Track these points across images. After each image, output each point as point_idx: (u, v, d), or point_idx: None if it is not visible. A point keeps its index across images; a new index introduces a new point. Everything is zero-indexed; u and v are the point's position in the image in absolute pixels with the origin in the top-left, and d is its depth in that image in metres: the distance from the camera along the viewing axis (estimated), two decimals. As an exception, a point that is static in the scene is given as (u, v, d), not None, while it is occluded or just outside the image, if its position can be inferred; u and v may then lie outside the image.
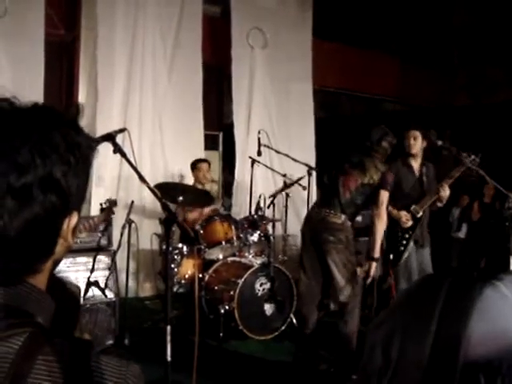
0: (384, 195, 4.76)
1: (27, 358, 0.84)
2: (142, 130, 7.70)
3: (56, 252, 0.96)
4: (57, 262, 1.00)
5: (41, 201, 0.89)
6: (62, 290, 1.24)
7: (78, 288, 1.28)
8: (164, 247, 6.04)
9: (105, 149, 6.87)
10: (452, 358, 0.65)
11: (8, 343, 0.85)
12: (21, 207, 0.87)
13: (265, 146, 6.93)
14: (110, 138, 3.17)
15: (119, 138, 3.63)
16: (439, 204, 5.45)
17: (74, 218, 0.96)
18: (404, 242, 5.42)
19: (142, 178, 3.04)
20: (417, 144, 5.48)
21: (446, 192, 5.35)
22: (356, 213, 4.94)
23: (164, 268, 6.12)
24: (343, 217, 4.75)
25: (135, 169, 3.06)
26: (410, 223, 5.38)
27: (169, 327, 3.02)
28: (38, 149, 0.88)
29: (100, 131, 7.21)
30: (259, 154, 6.87)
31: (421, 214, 5.38)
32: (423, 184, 5.48)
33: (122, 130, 3.35)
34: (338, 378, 4.71)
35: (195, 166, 6.99)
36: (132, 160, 3.19)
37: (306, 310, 5.02)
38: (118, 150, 3.11)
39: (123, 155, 3.10)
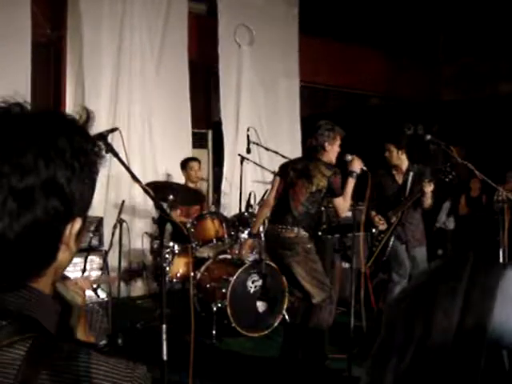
0: (339, 201, 4.71)
1: (34, 364, 0.84)
2: (131, 129, 7.69)
3: (59, 258, 0.95)
4: (61, 268, 0.99)
5: (43, 205, 0.88)
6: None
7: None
8: (155, 246, 6.04)
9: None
10: (480, 335, 0.69)
11: (14, 349, 0.85)
12: (22, 210, 0.86)
13: (254, 143, 6.93)
14: (101, 137, 3.15)
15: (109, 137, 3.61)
16: (426, 205, 5.60)
17: (77, 224, 0.95)
18: (377, 243, 5.68)
19: (134, 178, 3.03)
20: (392, 156, 5.68)
21: (428, 188, 5.49)
22: (312, 221, 4.86)
23: (156, 267, 6.11)
24: (296, 229, 4.67)
25: (128, 168, 3.05)
26: (382, 226, 5.63)
27: (164, 326, 3.03)
28: (43, 152, 0.88)
29: (88, 129, 7.18)
30: (248, 151, 6.87)
31: (394, 219, 5.62)
32: (405, 191, 5.68)
33: (113, 130, 3.33)
34: (329, 372, 4.72)
35: (186, 164, 6.93)
36: (123, 159, 3.18)
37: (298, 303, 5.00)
38: (110, 149, 3.09)
39: (115, 155, 3.08)
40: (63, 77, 7.48)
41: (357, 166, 4.72)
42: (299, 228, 4.69)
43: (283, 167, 4.97)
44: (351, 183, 4.71)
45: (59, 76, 7.57)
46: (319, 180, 4.64)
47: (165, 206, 5.84)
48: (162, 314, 3.06)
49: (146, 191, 2.98)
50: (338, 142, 4.79)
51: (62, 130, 0.94)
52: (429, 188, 5.49)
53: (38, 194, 0.87)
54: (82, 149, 0.94)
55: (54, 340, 0.89)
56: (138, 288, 7.47)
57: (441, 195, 7.91)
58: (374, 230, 5.74)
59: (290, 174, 4.78)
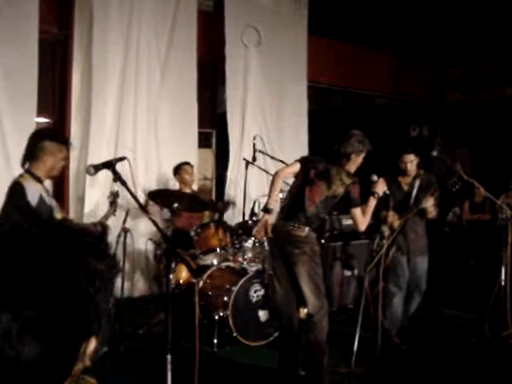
0: (357, 212, 4.70)
1: None
2: (137, 128, 7.66)
3: (73, 371, 0.97)
4: (74, 377, 1.02)
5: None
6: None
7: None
8: (159, 252, 6.07)
9: (98, 150, 6.88)
10: None
11: None
12: (38, 340, 0.88)
13: (260, 151, 6.93)
14: (109, 166, 3.17)
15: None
16: (430, 216, 5.61)
17: (92, 344, 0.97)
18: (378, 249, 5.55)
19: (142, 208, 3.06)
20: (413, 166, 5.70)
21: (429, 203, 5.52)
22: (320, 225, 4.93)
23: (158, 271, 6.16)
24: (307, 229, 4.66)
25: (136, 198, 3.07)
26: (396, 223, 5.54)
27: (169, 357, 3.07)
28: (59, 283, 0.89)
29: (94, 129, 7.18)
30: (254, 159, 6.88)
31: (396, 225, 5.56)
32: (410, 198, 5.67)
33: (121, 159, 3.34)
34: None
35: (179, 169, 6.97)
36: (130, 185, 3.20)
37: (285, 316, 4.92)
38: (118, 178, 3.11)
39: (123, 183, 3.11)
40: (69, 75, 7.44)
41: (380, 188, 4.81)
42: (310, 228, 4.69)
43: (305, 160, 4.92)
44: (372, 202, 4.76)
45: (65, 74, 7.53)
46: (337, 187, 4.65)
47: (169, 214, 5.87)
48: (168, 343, 3.10)
49: (154, 224, 2.99)
50: (363, 155, 4.82)
51: (76, 254, 0.94)
52: (430, 203, 5.51)
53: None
54: (98, 271, 0.95)
55: None
56: (141, 289, 7.50)
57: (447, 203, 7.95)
58: (377, 240, 5.69)
59: (311, 172, 4.76)
